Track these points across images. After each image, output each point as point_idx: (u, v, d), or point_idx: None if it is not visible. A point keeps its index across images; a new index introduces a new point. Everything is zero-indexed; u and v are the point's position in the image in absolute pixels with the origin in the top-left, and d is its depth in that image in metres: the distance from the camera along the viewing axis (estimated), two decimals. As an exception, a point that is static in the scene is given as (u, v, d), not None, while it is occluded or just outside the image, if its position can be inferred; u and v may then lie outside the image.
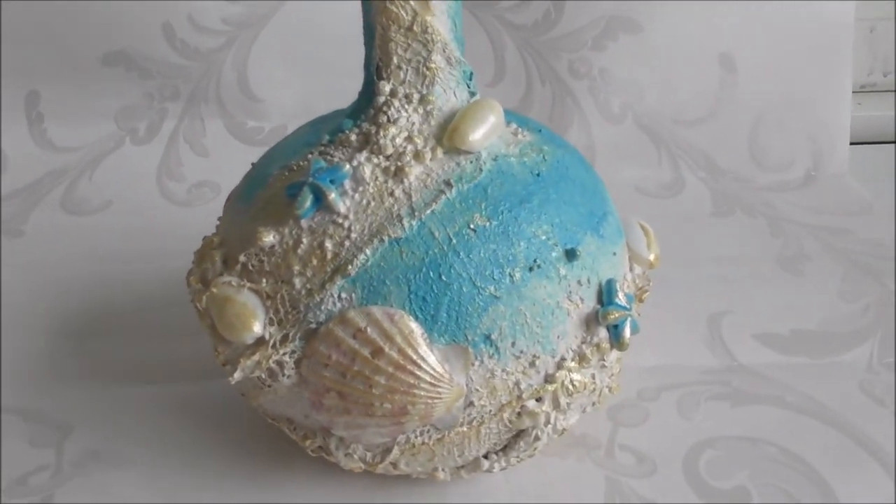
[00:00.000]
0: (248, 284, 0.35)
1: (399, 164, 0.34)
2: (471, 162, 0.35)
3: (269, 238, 0.34)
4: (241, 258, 0.35)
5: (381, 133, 0.35)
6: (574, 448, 0.44)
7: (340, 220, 0.33)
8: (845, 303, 0.54)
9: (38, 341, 0.54)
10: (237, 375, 0.35)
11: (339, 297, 0.33)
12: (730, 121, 0.74)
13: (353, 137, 0.36)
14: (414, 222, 0.33)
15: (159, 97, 0.74)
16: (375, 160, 0.35)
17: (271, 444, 0.43)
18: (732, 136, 0.74)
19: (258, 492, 0.42)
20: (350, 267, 0.33)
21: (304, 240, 0.34)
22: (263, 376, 0.35)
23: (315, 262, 0.33)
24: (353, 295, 0.33)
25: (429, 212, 0.33)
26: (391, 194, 0.34)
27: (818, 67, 0.73)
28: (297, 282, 0.34)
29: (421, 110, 0.36)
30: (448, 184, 0.34)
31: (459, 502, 0.41)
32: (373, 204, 0.34)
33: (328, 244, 0.33)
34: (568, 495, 0.41)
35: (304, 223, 0.34)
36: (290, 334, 0.34)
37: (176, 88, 0.74)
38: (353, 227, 0.33)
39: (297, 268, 0.34)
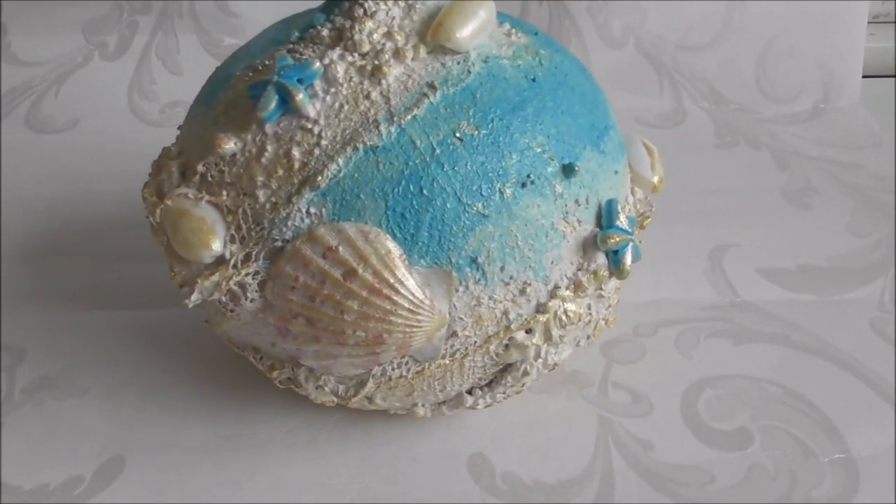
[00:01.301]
0: (207, 197, 0.31)
1: (377, 62, 0.30)
2: (458, 63, 0.31)
3: (230, 145, 0.30)
4: (200, 168, 0.31)
5: (357, 28, 0.31)
6: (565, 385, 0.41)
7: (309, 126, 0.30)
8: (855, 238, 0.51)
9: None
10: (194, 298, 0.31)
11: (308, 212, 0.29)
12: (736, 47, 0.69)
13: (325, 33, 0.32)
14: (392, 129, 0.29)
15: (130, 9, 0.70)
16: (350, 58, 0.31)
17: (237, 374, 0.40)
18: (739, 64, 0.70)
19: (222, 426, 0.39)
20: (320, 178, 0.29)
21: (269, 147, 0.30)
22: (224, 300, 0.31)
23: (280, 172, 0.30)
24: (324, 210, 0.29)
25: (409, 117, 0.30)
26: (367, 97, 0.30)
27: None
28: (261, 194, 0.30)
29: (402, 3, 0.31)
30: (432, 86, 0.30)
31: (441, 440, 0.38)
32: (346, 107, 0.30)
33: (295, 152, 0.29)
34: (557, 435, 0.38)
35: (268, 128, 0.30)
36: (254, 253, 0.30)
37: (148, 1, 0.69)
38: (323, 134, 0.29)
39: (260, 179, 0.30)
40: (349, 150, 0.29)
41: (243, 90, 0.31)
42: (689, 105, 0.69)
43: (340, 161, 0.29)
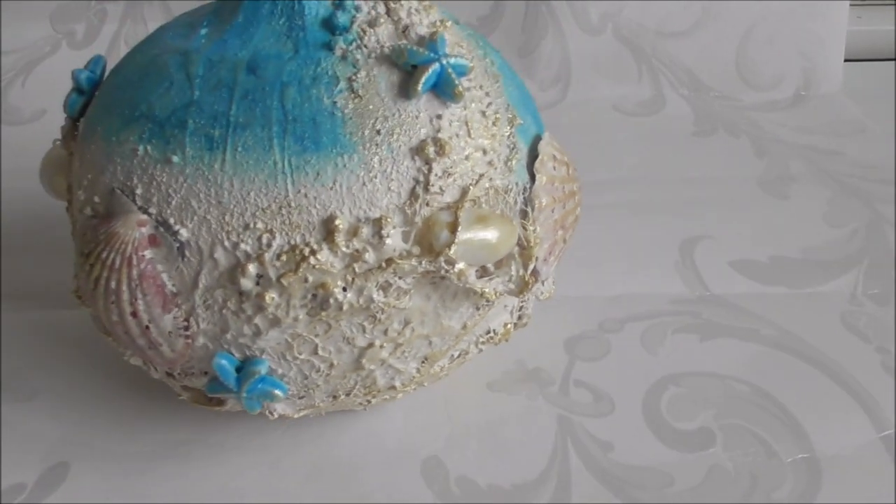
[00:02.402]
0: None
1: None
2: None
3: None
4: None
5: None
6: (526, 383, 0.40)
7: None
8: (831, 228, 0.50)
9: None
10: None
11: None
12: (717, 34, 0.68)
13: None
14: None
15: (97, -3, 0.68)
16: None
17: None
18: (719, 51, 0.68)
19: (171, 430, 0.38)
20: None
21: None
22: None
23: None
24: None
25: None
26: None
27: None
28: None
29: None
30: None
31: (395, 442, 0.37)
32: None
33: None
34: (515, 436, 0.37)
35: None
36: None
37: (116, -12, 0.68)
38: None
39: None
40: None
41: None
42: (668, 92, 0.68)
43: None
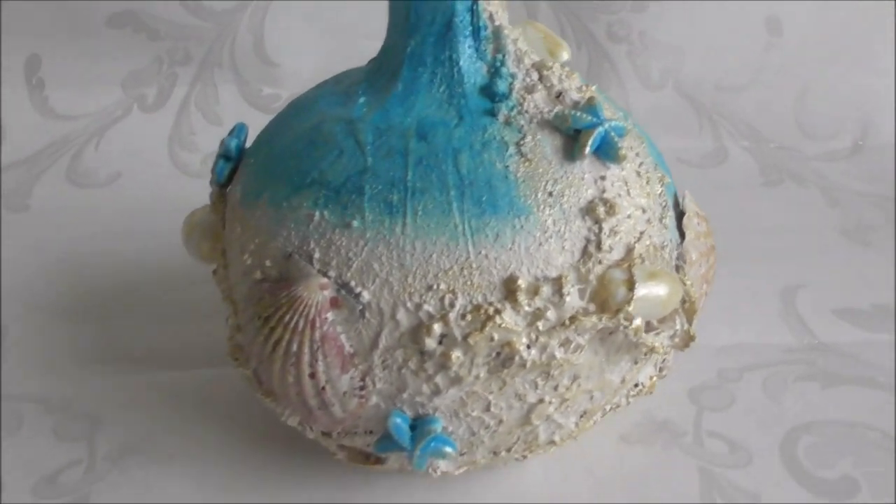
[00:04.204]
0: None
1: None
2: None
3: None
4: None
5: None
6: (658, 434, 0.40)
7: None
8: (921, 273, 0.51)
9: (47, 324, 0.50)
10: None
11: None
12: (774, 88, 0.70)
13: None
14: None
15: (169, 61, 0.69)
16: None
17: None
18: (776, 104, 0.70)
19: (320, 491, 0.38)
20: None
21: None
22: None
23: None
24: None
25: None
26: None
27: (866, 32, 0.69)
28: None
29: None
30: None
31: (540, 488, 0.37)
32: None
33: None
34: (658, 485, 0.37)
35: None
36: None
37: (187, 52, 0.69)
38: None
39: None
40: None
41: None
42: (729, 144, 0.69)
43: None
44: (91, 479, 0.39)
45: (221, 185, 0.37)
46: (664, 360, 0.37)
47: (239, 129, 0.38)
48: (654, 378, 0.36)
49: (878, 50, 0.69)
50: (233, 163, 0.37)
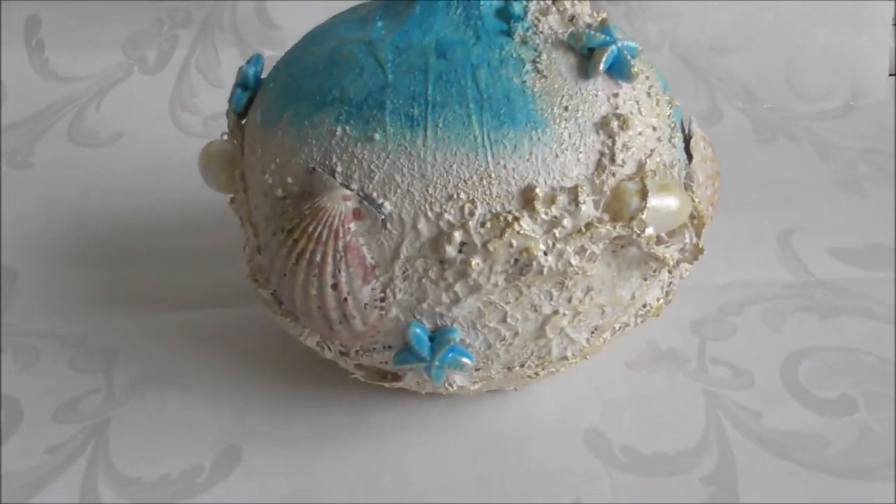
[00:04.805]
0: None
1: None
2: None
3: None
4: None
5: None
6: (663, 362, 0.41)
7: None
8: (915, 218, 0.53)
9: (59, 269, 0.50)
10: None
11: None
12: (768, 49, 0.71)
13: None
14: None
15: (170, 23, 0.70)
16: None
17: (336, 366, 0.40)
18: (770, 65, 0.72)
19: (332, 415, 0.39)
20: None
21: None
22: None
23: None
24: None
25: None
26: None
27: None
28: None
29: None
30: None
31: (551, 418, 0.38)
32: None
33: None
34: (665, 409, 0.39)
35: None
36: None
37: (188, 14, 0.70)
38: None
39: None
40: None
41: None
42: (723, 105, 0.71)
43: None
44: (111, 405, 0.39)
45: (239, 113, 0.38)
46: (670, 283, 0.38)
47: (256, 59, 0.38)
48: (661, 301, 0.37)
49: (870, 11, 0.70)
50: (250, 92, 0.38)
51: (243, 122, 0.38)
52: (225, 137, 0.38)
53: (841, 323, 0.43)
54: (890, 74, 0.73)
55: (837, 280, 0.47)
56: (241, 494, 0.35)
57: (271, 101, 0.35)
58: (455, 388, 0.35)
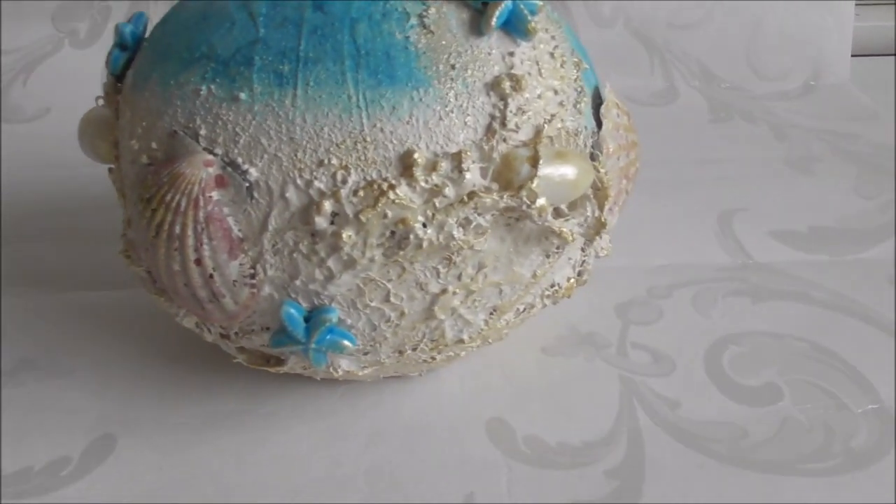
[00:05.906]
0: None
1: None
2: None
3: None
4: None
5: None
6: (581, 346, 0.39)
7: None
8: (863, 199, 0.50)
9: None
10: None
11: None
12: (727, 26, 0.69)
13: None
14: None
15: (102, -6, 0.67)
16: None
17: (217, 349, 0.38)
18: (729, 43, 0.69)
19: (220, 401, 0.36)
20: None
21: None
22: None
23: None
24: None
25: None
26: None
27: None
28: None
29: None
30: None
31: (455, 406, 0.36)
32: None
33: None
34: (577, 396, 0.36)
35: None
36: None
37: (121, -16, 0.67)
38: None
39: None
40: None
41: None
42: (680, 84, 0.68)
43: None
44: (-14, 392, 0.37)
45: (116, 76, 0.35)
46: (584, 262, 0.35)
47: (137, 18, 0.35)
48: (573, 281, 0.35)
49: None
50: (129, 52, 0.35)
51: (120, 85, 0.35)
52: (100, 103, 0.35)
53: (775, 307, 0.41)
54: (853, 55, 0.71)
55: (776, 263, 0.44)
56: (105, 489, 0.32)
57: (141, 62, 0.33)
58: (341, 372, 0.32)
